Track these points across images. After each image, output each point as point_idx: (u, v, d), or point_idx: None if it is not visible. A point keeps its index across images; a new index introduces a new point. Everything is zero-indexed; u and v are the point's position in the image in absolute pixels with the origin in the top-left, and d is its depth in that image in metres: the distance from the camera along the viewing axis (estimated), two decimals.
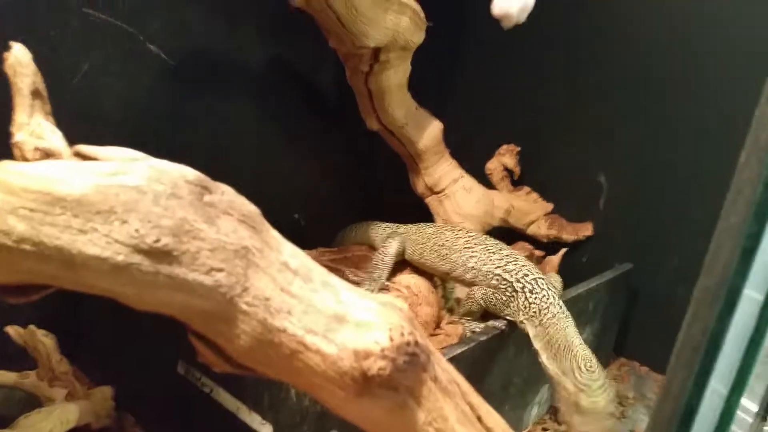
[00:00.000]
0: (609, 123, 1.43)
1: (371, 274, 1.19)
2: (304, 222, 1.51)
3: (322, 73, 1.49)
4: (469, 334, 1.04)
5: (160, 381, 1.04)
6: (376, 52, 1.17)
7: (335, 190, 1.62)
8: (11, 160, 0.39)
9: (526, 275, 1.02)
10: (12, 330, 0.99)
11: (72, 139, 0.43)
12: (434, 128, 1.36)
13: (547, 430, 1.19)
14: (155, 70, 1.17)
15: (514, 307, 1.01)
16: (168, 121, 1.21)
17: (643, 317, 1.44)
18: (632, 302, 1.43)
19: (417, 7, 1.17)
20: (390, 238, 1.25)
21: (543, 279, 1.02)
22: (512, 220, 1.51)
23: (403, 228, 1.27)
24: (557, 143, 1.52)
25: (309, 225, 1.51)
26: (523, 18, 0.95)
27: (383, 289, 1.16)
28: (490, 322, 1.04)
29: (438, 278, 1.26)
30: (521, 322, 1.00)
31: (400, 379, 0.42)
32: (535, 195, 1.54)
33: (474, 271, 1.08)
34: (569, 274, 1.29)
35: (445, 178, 1.43)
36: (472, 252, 1.10)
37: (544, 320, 0.97)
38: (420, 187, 1.46)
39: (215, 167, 0.49)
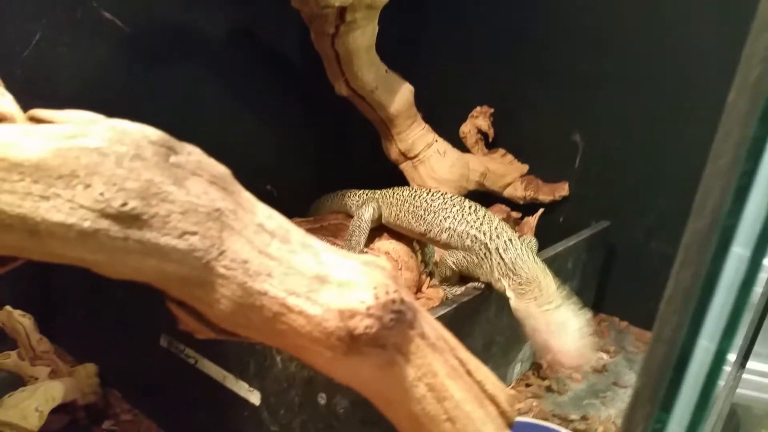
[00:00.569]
0: (583, 81, 1.42)
1: (348, 241, 1.18)
2: (276, 194, 1.49)
3: (287, 38, 1.45)
4: (450, 297, 1.04)
5: (143, 355, 1.03)
6: (342, 11, 1.13)
7: (306, 160, 1.60)
8: None
9: (500, 236, 1.03)
10: None
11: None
12: (405, 91, 1.34)
13: (530, 385, 1.20)
14: (111, 39, 1.12)
15: (487, 267, 1.01)
16: (126, 93, 1.16)
17: (621, 273, 1.46)
18: (610, 259, 1.44)
19: None
20: (365, 204, 1.24)
21: (517, 239, 1.03)
22: (488, 183, 1.51)
23: (378, 193, 1.26)
24: (531, 104, 1.51)
25: (282, 196, 1.49)
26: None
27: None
28: (470, 284, 1.03)
29: (417, 243, 1.26)
30: (498, 280, 0.99)
31: (387, 337, 0.41)
32: (510, 157, 1.53)
33: (449, 231, 1.07)
34: (547, 235, 1.30)
35: (418, 143, 1.41)
36: (447, 213, 1.09)
37: (521, 275, 0.97)
38: (393, 154, 1.44)
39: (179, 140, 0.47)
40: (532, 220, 1.44)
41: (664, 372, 0.45)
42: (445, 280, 1.06)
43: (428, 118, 1.44)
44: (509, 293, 0.97)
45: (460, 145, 1.51)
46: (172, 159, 0.37)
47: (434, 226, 1.10)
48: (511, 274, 0.98)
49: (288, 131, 1.53)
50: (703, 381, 0.45)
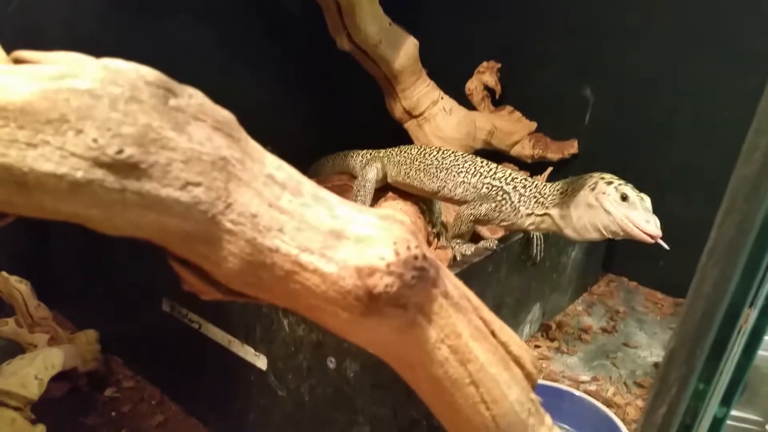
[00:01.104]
0: (594, 34, 1.37)
1: (353, 201, 1.15)
2: (277, 154, 1.45)
3: None
4: (459, 257, 1.01)
5: (145, 321, 1.01)
6: None
7: (307, 119, 1.56)
8: None
9: (515, 179, 1.03)
10: None
11: None
12: (410, 45, 1.29)
13: (539, 347, 1.18)
14: None
15: (508, 208, 1.00)
16: (117, 51, 1.12)
17: None
18: None
19: None
20: (369, 164, 1.21)
21: (531, 180, 1.03)
22: (495, 141, 1.47)
23: (383, 152, 1.22)
24: (540, 58, 1.47)
25: (281, 156, 1.45)
26: None
27: None
28: (481, 243, 1.01)
29: (424, 203, 1.23)
30: (528, 214, 0.99)
31: (408, 296, 0.38)
32: (517, 114, 1.49)
33: (464, 185, 1.06)
34: None
35: (423, 101, 1.37)
36: (460, 168, 1.08)
37: (551, 191, 0.98)
38: (397, 112, 1.40)
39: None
40: (540, 179, 1.41)
41: (702, 330, 0.42)
42: (459, 236, 1.03)
43: (433, 75, 1.39)
44: (552, 212, 0.96)
45: (466, 103, 1.47)
46: (172, 102, 0.34)
47: (448, 182, 1.08)
48: (540, 197, 0.98)
49: (287, 89, 1.48)
50: (745, 341, 0.43)
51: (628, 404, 1.02)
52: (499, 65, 1.48)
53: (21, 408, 0.79)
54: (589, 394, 0.96)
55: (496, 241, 1.01)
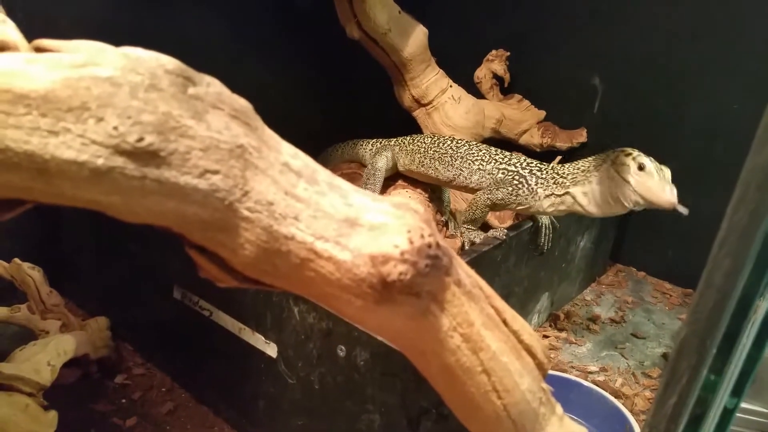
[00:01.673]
0: (603, 22, 1.36)
1: (364, 189, 1.15)
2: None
3: None
4: (468, 246, 1.01)
5: (156, 308, 1.01)
6: None
7: (315, 107, 1.56)
8: None
9: (530, 164, 1.04)
10: None
11: None
12: (419, 34, 1.29)
13: (548, 337, 1.18)
14: None
15: (525, 192, 1.01)
16: (128, 37, 1.12)
17: (639, 223, 1.43)
18: None
19: None
20: (378, 153, 1.21)
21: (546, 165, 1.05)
22: (504, 130, 1.47)
23: (393, 141, 1.22)
24: (549, 46, 1.46)
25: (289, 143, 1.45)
26: None
27: None
28: (490, 232, 1.01)
29: (432, 191, 1.23)
30: (547, 196, 1.00)
31: (422, 284, 0.39)
32: (526, 103, 1.49)
33: (480, 173, 1.07)
34: None
35: (432, 89, 1.37)
36: (476, 156, 1.09)
37: (570, 171, 0.99)
38: (406, 100, 1.40)
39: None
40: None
41: (713, 320, 0.42)
42: (472, 222, 1.04)
43: (442, 63, 1.39)
44: (572, 191, 0.97)
45: (475, 91, 1.47)
46: (191, 90, 0.34)
47: (464, 170, 1.09)
48: (558, 177, 1.00)
49: (296, 77, 1.48)
50: (756, 332, 0.43)
51: (636, 395, 1.02)
52: (508, 53, 1.48)
53: (34, 394, 0.80)
54: (598, 385, 0.97)
55: (506, 230, 1.01)
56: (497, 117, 1.44)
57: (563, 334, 1.19)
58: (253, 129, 0.37)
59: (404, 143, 1.19)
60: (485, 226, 1.15)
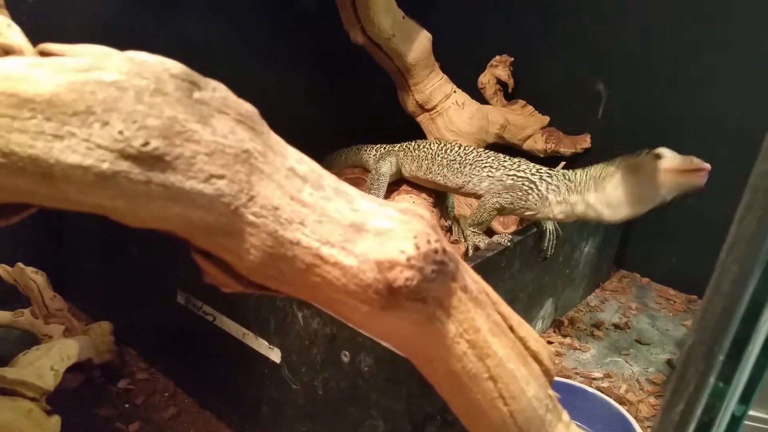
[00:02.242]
0: (607, 28, 1.36)
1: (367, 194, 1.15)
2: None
3: None
4: (471, 251, 1.01)
5: (159, 313, 1.01)
6: None
7: (319, 112, 1.56)
8: None
9: (540, 170, 1.04)
10: (0, 269, 0.97)
11: None
12: (423, 39, 1.29)
13: (552, 343, 1.18)
14: None
15: (534, 198, 1.00)
16: (133, 40, 1.12)
17: (643, 229, 1.42)
18: None
19: None
20: (382, 158, 1.21)
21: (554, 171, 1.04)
22: (508, 135, 1.47)
23: (398, 147, 1.22)
24: (553, 52, 1.46)
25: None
26: None
27: None
28: (495, 238, 1.01)
29: (436, 197, 1.23)
30: (558, 202, 0.99)
31: (428, 290, 0.38)
32: (530, 108, 1.49)
33: (489, 179, 1.07)
34: None
35: (436, 94, 1.37)
36: (484, 163, 1.08)
37: (581, 176, 0.98)
38: (410, 105, 1.40)
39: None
40: None
41: (721, 327, 0.42)
42: (478, 225, 1.03)
43: (445, 68, 1.39)
44: (587, 196, 0.96)
45: (479, 97, 1.47)
46: (196, 95, 0.34)
47: (473, 176, 1.08)
48: (570, 183, 0.99)
49: (300, 82, 1.48)
50: (765, 338, 0.42)
51: (641, 401, 1.01)
52: (512, 59, 1.48)
53: (37, 398, 0.79)
54: (602, 391, 0.96)
55: (510, 236, 1.01)
56: (501, 122, 1.44)
57: (567, 340, 1.19)
58: (258, 133, 0.37)
59: (409, 149, 1.19)
60: (489, 231, 1.15)
